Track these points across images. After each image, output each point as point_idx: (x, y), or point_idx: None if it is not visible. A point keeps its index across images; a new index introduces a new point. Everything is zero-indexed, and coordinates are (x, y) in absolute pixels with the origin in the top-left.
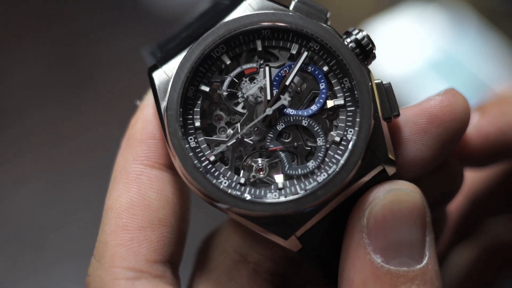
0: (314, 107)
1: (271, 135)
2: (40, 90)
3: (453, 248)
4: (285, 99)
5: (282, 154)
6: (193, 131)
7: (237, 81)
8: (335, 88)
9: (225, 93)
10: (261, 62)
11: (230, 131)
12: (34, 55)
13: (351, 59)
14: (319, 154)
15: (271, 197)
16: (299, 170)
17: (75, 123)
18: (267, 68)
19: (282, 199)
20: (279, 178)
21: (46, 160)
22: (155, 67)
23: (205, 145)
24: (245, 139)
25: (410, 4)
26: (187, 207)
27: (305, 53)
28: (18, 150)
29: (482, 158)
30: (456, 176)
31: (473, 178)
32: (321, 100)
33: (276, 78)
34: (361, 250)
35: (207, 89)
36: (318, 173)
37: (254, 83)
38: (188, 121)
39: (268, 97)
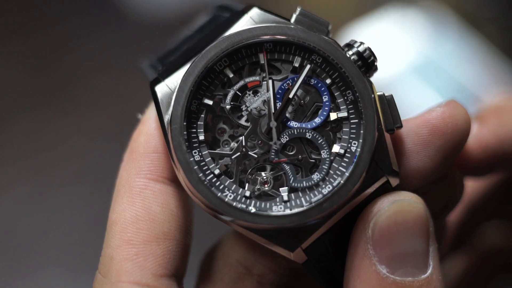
0: (317, 120)
1: (276, 148)
2: (20, 98)
3: (448, 255)
4: (288, 113)
5: (287, 167)
6: (197, 144)
7: (240, 94)
8: (338, 101)
9: (228, 107)
10: (264, 75)
11: (233, 144)
12: (14, 63)
13: (354, 72)
14: (324, 166)
15: (277, 210)
16: (304, 182)
17: (57, 130)
18: (270, 81)
19: (288, 211)
20: (284, 191)
21: (27, 169)
22: (157, 80)
23: (210, 158)
24: (249, 152)
25: (390, 8)
26: (191, 220)
27: (308, 66)
28: None
29: (482, 168)
30: (457, 186)
31: (469, 187)
32: (324, 113)
33: (279, 91)
34: (366, 261)
35: (210, 102)
36: (323, 185)
37: (258, 96)
38: (192, 135)
39: (272, 110)
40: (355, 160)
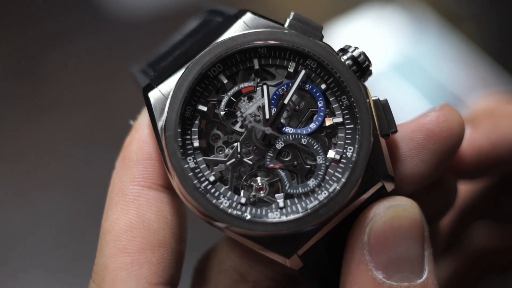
0: (312, 125)
1: (271, 154)
2: None
3: (438, 257)
4: (283, 118)
5: (282, 173)
6: (191, 151)
7: (234, 100)
8: (333, 106)
9: (222, 113)
10: (258, 80)
11: (228, 150)
12: None
13: (349, 77)
14: (319, 172)
15: (272, 217)
16: (300, 188)
17: (36, 132)
18: (265, 87)
19: (284, 218)
20: (279, 197)
21: (5, 171)
22: (150, 86)
23: (204, 165)
24: (244, 159)
25: (370, 6)
26: (185, 227)
27: (303, 71)
28: None
29: (475, 171)
30: (450, 191)
31: (459, 190)
32: (319, 118)
33: (274, 97)
34: (363, 266)
35: (204, 108)
36: (319, 192)
37: (253, 102)
38: (187, 141)
39: (267, 116)
40: (351, 165)
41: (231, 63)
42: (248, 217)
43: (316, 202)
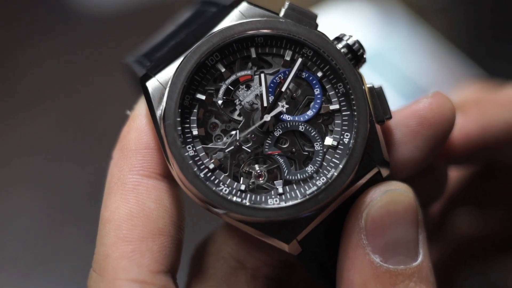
0: (310, 113)
1: (269, 141)
2: None
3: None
4: (282, 106)
5: (281, 160)
6: (191, 139)
7: (232, 88)
8: (330, 93)
9: (220, 101)
10: (255, 69)
11: (226, 139)
12: None
13: (345, 64)
14: (317, 158)
15: (272, 203)
16: (298, 175)
17: (3, 130)
18: (262, 75)
19: (284, 204)
20: (278, 184)
21: None
22: (147, 76)
23: (204, 153)
24: (243, 146)
25: (338, 0)
26: (183, 215)
27: (300, 60)
28: None
29: (463, 157)
30: (442, 177)
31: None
32: (316, 106)
33: (271, 85)
34: (360, 250)
35: (203, 97)
36: (317, 178)
37: (251, 90)
38: (186, 130)
39: (265, 104)
40: (348, 152)
41: (228, 52)
42: (248, 203)
43: (315, 188)
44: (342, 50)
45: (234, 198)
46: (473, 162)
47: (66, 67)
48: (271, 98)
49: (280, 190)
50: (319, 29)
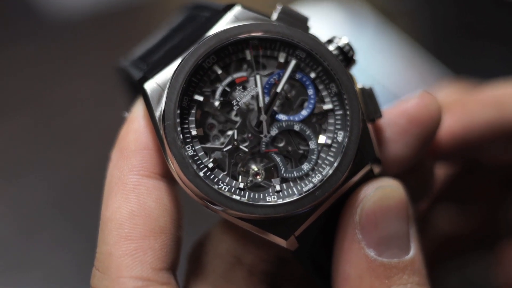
0: (304, 112)
1: (266, 141)
2: None
3: None
4: (276, 107)
5: (278, 158)
6: (190, 139)
7: (228, 90)
8: (323, 94)
9: (217, 102)
10: (251, 71)
11: (223, 139)
12: None
13: (337, 65)
14: (312, 156)
15: (270, 200)
16: (295, 172)
17: None
18: (257, 77)
19: (282, 201)
20: (276, 181)
21: None
22: (145, 78)
23: (203, 153)
24: (240, 146)
25: (307, 2)
26: (182, 214)
27: (294, 61)
28: None
29: (449, 154)
30: (429, 175)
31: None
32: (310, 106)
33: (267, 86)
34: (355, 245)
35: (200, 98)
36: (313, 175)
37: (247, 91)
38: (185, 130)
39: (261, 104)
40: (343, 149)
41: (224, 54)
42: (247, 201)
43: (311, 185)
44: (334, 52)
45: (234, 196)
46: (457, 160)
47: (35, 71)
48: (267, 99)
49: (278, 188)
50: (310, 31)
